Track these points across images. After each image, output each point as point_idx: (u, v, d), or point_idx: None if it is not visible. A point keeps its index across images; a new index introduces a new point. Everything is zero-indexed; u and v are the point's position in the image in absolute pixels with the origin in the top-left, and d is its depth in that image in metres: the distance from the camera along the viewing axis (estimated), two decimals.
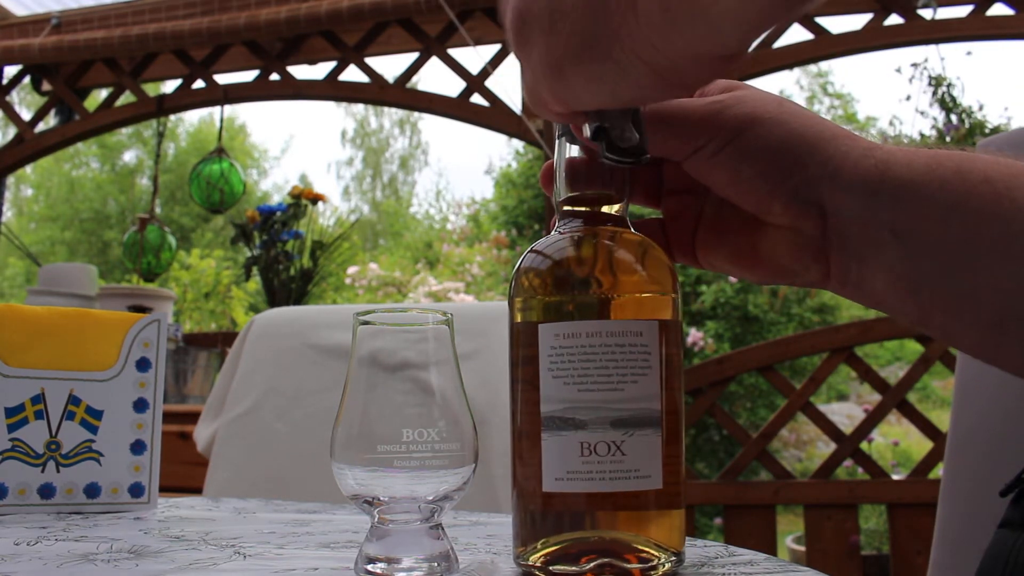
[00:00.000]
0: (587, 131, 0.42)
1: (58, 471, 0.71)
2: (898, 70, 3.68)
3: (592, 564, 0.43)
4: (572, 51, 0.37)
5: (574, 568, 0.43)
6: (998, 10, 2.42)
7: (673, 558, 0.44)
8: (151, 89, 3.39)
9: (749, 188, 0.44)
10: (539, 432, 0.44)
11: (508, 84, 3.81)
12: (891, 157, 0.43)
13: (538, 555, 0.44)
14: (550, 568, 0.43)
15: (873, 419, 2.24)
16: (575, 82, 0.38)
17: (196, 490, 1.47)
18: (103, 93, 3.44)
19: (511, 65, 2.78)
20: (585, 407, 0.43)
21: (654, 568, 0.43)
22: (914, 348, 6.12)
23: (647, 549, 0.43)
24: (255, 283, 4.01)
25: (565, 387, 0.44)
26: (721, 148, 0.44)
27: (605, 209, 0.48)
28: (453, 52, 2.80)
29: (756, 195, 0.44)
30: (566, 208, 0.48)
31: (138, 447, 0.74)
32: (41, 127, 3.33)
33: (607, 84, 0.38)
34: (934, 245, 0.42)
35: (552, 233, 0.48)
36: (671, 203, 0.50)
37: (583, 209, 0.48)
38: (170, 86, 3.32)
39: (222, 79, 3.10)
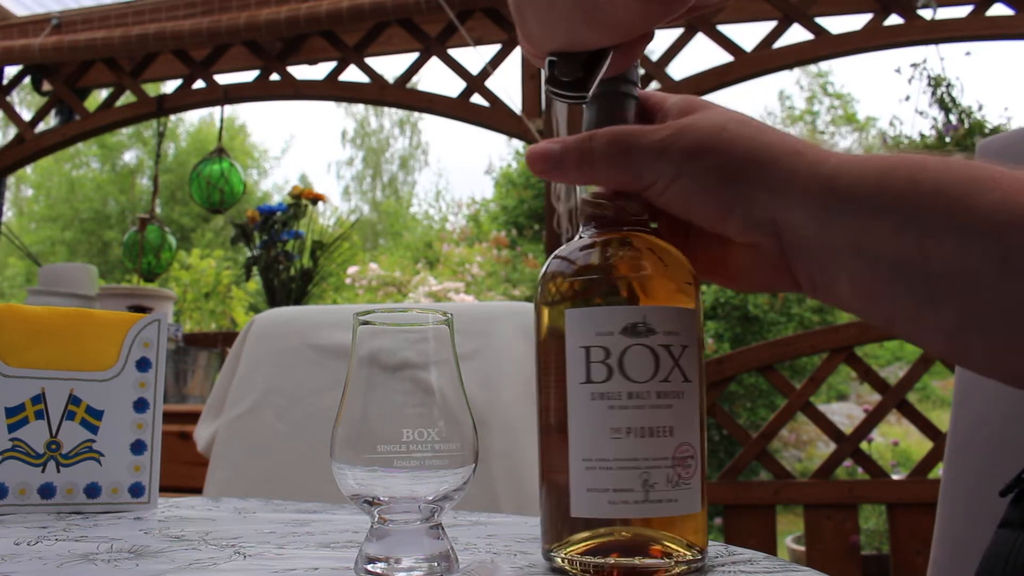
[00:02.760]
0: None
1: (58, 471, 0.71)
2: (898, 70, 3.68)
3: (620, 558, 0.44)
4: None
5: (603, 561, 0.44)
6: (998, 10, 2.42)
7: (699, 555, 0.45)
8: (151, 89, 3.39)
9: (703, 216, 0.46)
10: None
11: (508, 84, 3.81)
12: (838, 171, 0.43)
13: (570, 549, 0.45)
14: (580, 562, 0.44)
15: (873, 419, 2.24)
16: (529, 20, 0.44)
17: (196, 490, 1.47)
18: (103, 93, 3.44)
19: (511, 65, 2.78)
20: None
21: (683, 563, 0.44)
22: (914, 348, 6.11)
23: (674, 546, 0.45)
24: (255, 283, 4.01)
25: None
26: (668, 185, 0.45)
27: (627, 213, 0.49)
28: (453, 52, 2.80)
29: (711, 221, 0.46)
30: (588, 212, 0.49)
31: (138, 447, 0.74)
32: (41, 127, 3.33)
33: (549, 21, 0.43)
34: (888, 257, 0.42)
35: (575, 239, 0.49)
36: (662, 219, 0.52)
37: (605, 214, 0.49)
38: (170, 86, 3.33)
39: (222, 79, 3.10)
